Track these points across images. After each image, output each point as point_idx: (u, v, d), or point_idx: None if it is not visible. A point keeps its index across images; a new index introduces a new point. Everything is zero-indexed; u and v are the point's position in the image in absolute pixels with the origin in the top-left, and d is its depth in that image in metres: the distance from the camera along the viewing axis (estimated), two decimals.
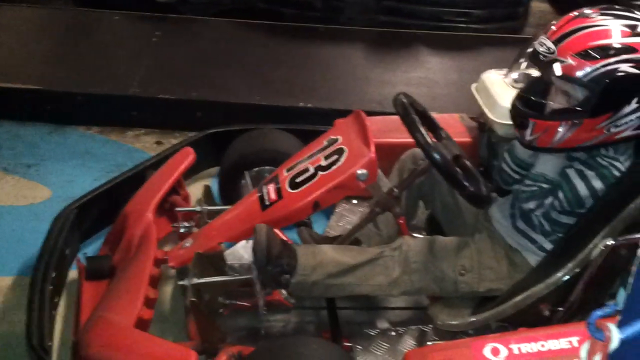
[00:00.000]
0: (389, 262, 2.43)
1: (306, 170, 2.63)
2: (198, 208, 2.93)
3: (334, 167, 2.57)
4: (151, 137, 4.27)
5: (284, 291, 2.47)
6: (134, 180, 3.13)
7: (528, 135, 2.26)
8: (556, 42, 2.14)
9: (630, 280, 1.03)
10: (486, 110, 2.88)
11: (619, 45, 2.09)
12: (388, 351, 2.58)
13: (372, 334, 2.66)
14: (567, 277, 2.25)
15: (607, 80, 2.08)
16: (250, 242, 2.37)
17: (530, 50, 2.25)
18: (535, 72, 2.33)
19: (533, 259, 2.43)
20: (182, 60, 4.80)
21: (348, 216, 3.25)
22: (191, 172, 3.29)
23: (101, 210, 3.12)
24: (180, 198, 3.02)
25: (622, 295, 1.07)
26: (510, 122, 2.40)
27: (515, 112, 2.33)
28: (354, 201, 3.31)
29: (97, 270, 2.74)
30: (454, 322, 2.46)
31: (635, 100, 2.11)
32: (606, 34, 2.11)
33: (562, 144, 2.22)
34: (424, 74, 4.83)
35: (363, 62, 5.01)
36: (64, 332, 2.71)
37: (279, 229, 2.57)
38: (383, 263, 2.43)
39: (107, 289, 2.61)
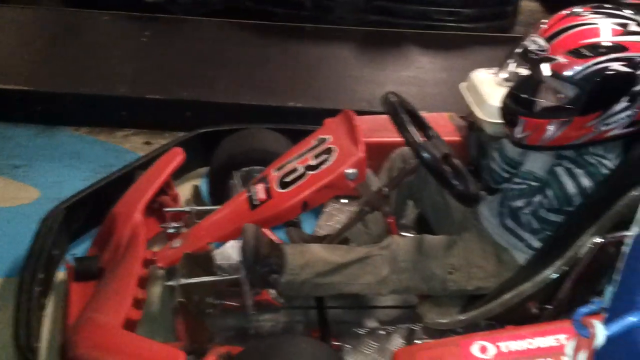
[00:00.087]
0: (377, 261, 2.43)
1: (295, 169, 2.63)
2: (187, 208, 2.93)
3: (323, 167, 2.57)
4: (140, 137, 4.25)
5: (272, 291, 2.47)
6: (122, 180, 3.12)
7: (518, 133, 2.26)
8: (548, 40, 2.15)
9: (616, 277, 1.03)
10: (475, 109, 2.89)
11: (610, 44, 2.09)
12: (377, 350, 2.59)
13: (361, 333, 2.66)
14: (555, 275, 2.25)
15: (598, 79, 2.08)
16: (239, 242, 2.37)
17: (521, 48, 2.26)
18: (525, 71, 2.33)
19: (521, 257, 2.43)
20: (171, 60, 4.79)
21: (337, 215, 3.25)
22: (180, 172, 3.28)
23: (90, 210, 3.11)
24: (169, 198, 3.01)
25: (609, 292, 1.07)
26: (500, 121, 2.40)
27: (505, 109, 2.33)
28: (344, 200, 3.32)
29: (85, 271, 2.72)
30: (442, 321, 2.46)
31: (624, 98, 2.11)
32: (597, 32, 2.12)
33: (552, 142, 2.22)
34: (414, 73, 4.83)
35: (352, 61, 5.01)
36: (52, 333, 2.70)
37: (268, 229, 2.57)
38: (372, 262, 2.43)
39: (96, 289, 2.60)
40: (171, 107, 4.30)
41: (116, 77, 4.48)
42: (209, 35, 5.20)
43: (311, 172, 2.58)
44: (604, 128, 2.17)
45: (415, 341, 2.59)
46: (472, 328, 2.41)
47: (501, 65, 2.92)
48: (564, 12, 2.22)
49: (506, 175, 2.50)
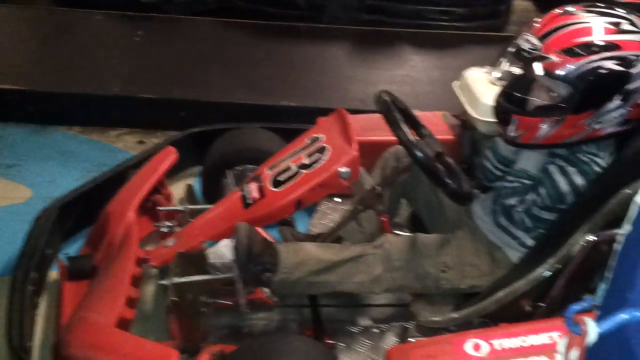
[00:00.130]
0: (371, 259, 2.43)
1: (289, 168, 2.63)
2: (180, 207, 2.92)
3: (316, 166, 2.57)
4: (133, 136, 4.25)
5: (266, 289, 2.47)
6: (115, 179, 3.11)
7: (511, 131, 2.26)
8: (541, 39, 2.15)
9: (608, 274, 1.03)
10: (468, 108, 2.89)
11: (603, 43, 2.10)
12: (371, 348, 2.59)
13: (355, 331, 2.66)
14: (548, 273, 2.25)
15: (591, 77, 2.09)
16: (233, 240, 2.36)
17: (514, 47, 2.26)
18: (518, 70, 2.33)
19: (514, 255, 2.43)
20: (164, 59, 4.78)
21: (331, 214, 3.25)
22: (174, 171, 3.27)
23: (82, 210, 3.10)
24: (162, 197, 3.01)
25: (601, 290, 1.08)
26: (493, 120, 2.40)
27: (498, 108, 2.33)
28: (337, 199, 3.32)
29: (78, 270, 2.72)
30: (436, 319, 2.46)
31: (617, 97, 2.12)
32: (590, 31, 2.12)
33: (545, 140, 2.23)
34: (407, 72, 4.83)
35: (345, 60, 5.01)
36: (45, 332, 2.69)
37: (261, 228, 2.56)
38: (365, 261, 2.43)
39: (89, 289, 2.60)
40: (164, 106, 4.29)
41: (109, 76, 4.47)
42: (202, 35, 5.19)
43: (304, 171, 2.58)
44: (596, 126, 2.17)
45: (408, 339, 2.59)
46: (465, 326, 2.41)
47: (494, 64, 2.92)
48: (557, 10, 2.22)
49: (499, 173, 2.51)
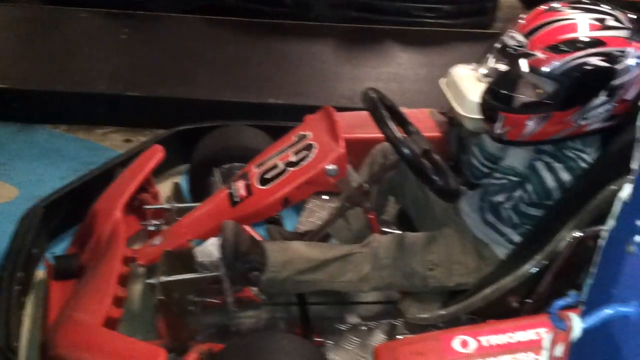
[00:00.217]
0: (359, 258, 2.43)
1: (276, 166, 2.63)
2: (167, 205, 2.92)
3: (303, 163, 2.57)
4: (120, 134, 4.23)
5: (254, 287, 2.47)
6: (102, 178, 3.10)
7: (498, 128, 2.27)
8: (527, 36, 2.16)
9: (593, 270, 1.04)
10: (455, 105, 2.89)
11: (588, 39, 2.11)
12: (359, 346, 2.59)
13: (343, 329, 2.66)
14: (535, 269, 2.26)
15: (577, 74, 2.10)
16: (220, 239, 2.36)
17: (500, 44, 2.27)
18: (504, 67, 2.34)
19: (502, 251, 2.44)
20: (151, 57, 4.77)
21: (319, 212, 3.25)
22: (160, 170, 3.26)
23: (69, 209, 3.09)
24: (149, 196, 3.00)
25: (587, 285, 1.08)
26: (480, 117, 2.41)
27: (485, 105, 2.34)
28: (325, 197, 3.31)
29: (65, 270, 2.71)
30: (424, 316, 2.47)
31: (603, 93, 2.13)
32: (575, 27, 2.13)
33: (532, 137, 2.23)
34: (394, 69, 4.84)
35: (332, 58, 5.01)
36: (32, 332, 2.68)
37: (249, 226, 2.56)
38: (353, 260, 2.43)
39: (76, 288, 2.59)
40: (151, 104, 4.28)
41: (95, 74, 4.45)
42: (188, 33, 5.18)
43: (291, 169, 2.58)
44: (582, 122, 2.18)
45: (397, 336, 2.59)
46: (453, 323, 2.42)
47: (480, 60, 2.93)
48: (542, 7, 2.23)
49: (486, 170, 2.51)
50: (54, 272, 2.72)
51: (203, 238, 2.56)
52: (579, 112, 2.15)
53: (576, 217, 2.19)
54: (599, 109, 2.15)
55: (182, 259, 2.48)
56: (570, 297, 1.01)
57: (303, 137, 2.69)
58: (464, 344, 2.01)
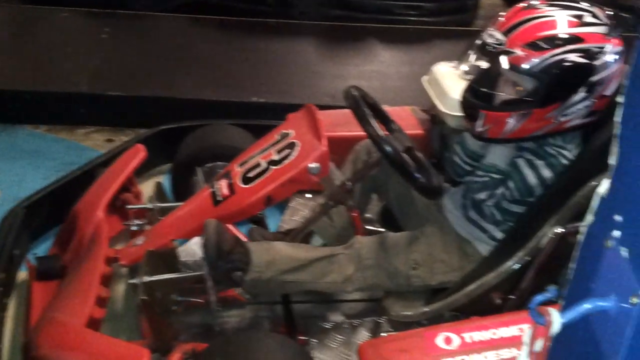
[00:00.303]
0: (342, 259, 2.43)
1: (258, 164, 2.62)
2: (150, 205, 2.90)
3: (286, 161, 2.57)
4: (101, 134, 4.22)
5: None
6: (84, 178, 3.09)
7: (479, 126, 2.28)
8: (505, 33, 2.17)
9: (572, 265, 1.04)
10: (437, 103, 2.90)
11: (566, 36, 2.12)
12: (343, 344, 2.59)
13: (328, 327, 2.66)
14: (517, 266, 2.27)
15: (556, 71, 2.11)
16: (203, 238, 2.35)
17: (479, 42, 2.27)
18: (484, 64, 2.35)
19: (484, 248, 2.45)
20: (132, 56, 4.75)
21: (302, 210, 3.25)
22: (143, 169, 3.25)
23: (51, 209, 3.08)
24: (131, 195, 2.98)
25: (566, 280, 1.09)
26: (462, 114, 2.42)
27: (465, 103, 2.34)
28: (308, 195, 3.31)
29: (47, 271, 2.70)
30: (407, 313, 2.47)
31: (582, 89, 2.14)
32: (553, 24, 2.14)
33: (513, 134, 2.24)
34: (376, 67, 4.84)
35: (315, 56, 5.02)
36: (14, 333, 2.66)
37: (232, 225, 2.56)
38: (337, 260, 2.43)
39: (58, 289, 2.58)
40: (133, 103, 4.27)
41: (76, 74, 4.43)
42: (170, 31, 5.16)
43: (274, 167, 2.57)
44: (563, 119, 2.20)
45: (381, 334, 2.60)
46: (437, 320, 2.42)
47: (461, 58, 2.94)
48: (521, 5, 2.24)
49: (469, 168, 2.52)
50: (36, 273, 2.70)
51: (186, 237, 2.56)
52: (559, 108, 2.17)
53: (558, 213, 2.21)
54: (579, 105, 2.17)
55: (165, 258, 2.47)
56: (549, 293, 1.01)
57: (285, 135, 2.69)
58: (448, 340, 2.02)
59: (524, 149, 2.31)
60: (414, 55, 5.05)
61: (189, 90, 4.34)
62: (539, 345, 1.00)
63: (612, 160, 0.96)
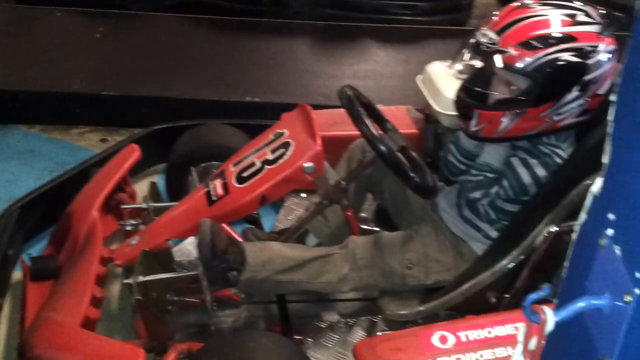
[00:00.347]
0: (337, 259, 2.44)
1: (253, 164, 2.62)
2: (144, 205, 2.90)
3: (280, 161, 2.57)
4: (96, 134, 4.21)
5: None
6: (78, 178, 3.09)
7: (473, 126, 2.28)
8: (498, 33, 2.17)
9: (566, 263, 1.05)
10: (431, 102, 2.91)
11: (560, 35, 2.13)
12: (339, 343, 2.59)
13: (323, 326, 2.66)
14: (512, 265, 2.28)
15: (549, 70, 2.12)
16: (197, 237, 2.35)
17: (472, 41, 2.28)
18: (478, 63, 2.35)
19: (479, 247, 2.46)
20: (126, 56, 4.74)
21: (297, 210, 3.25)
22: (137, 169, 3.25)
23: (45, 209, 3.07)
24: (126, 195, 2.98)
25: (560, 279, 1.09)
26: (456, 113, 2.42)
27: (459, 103, 2.35)
28: (303, 195, 3.31)
29: (41, 271, 2.69)
30: (403, 312, 2.48)
31: (576, 88, 2.15)
32: (546, 23, 2.15)
33: (507, 133, 2.25)
34: (370, 66, 4.85)
35: (309, 55, 5.02)
36: (9, 333, 2.66)
37: (227, 224, 2.56)
38: (332, 260, 2.43)
39: (53, 289, 2.57)
40: (127, 103, 4.26)
41: (70, 74, 4.42)
42: (164, 31, 5.16)
43: (269, 167, 2.57)
44: (556, 118, 2.20)
45: (376, 333, 2.60)
46: (432, 319, 2.43)
47: (455, 57, 2.95)
48: (514, 4, 2.24)
49: (463, 167, 2.52)
50: (31, 273, 2.69)
51: (181, 237, 2.56)
52: (553, 107, 2.17)
53: (552, 212, 2.22)
54: (572, 104, 2.18)
55: (160, 258, 2.47)
56: (543, 291, 1.02)
57: (280, 135, 2.69)
58: (443, 339, 2.02)
59: (518, 148, 2.32)
60: (408, 54, 5.05)
61: (183, 89, 4.33)
62: (533, 343, 1.00)
63: (605, 158, 0.96)
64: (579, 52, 2.11)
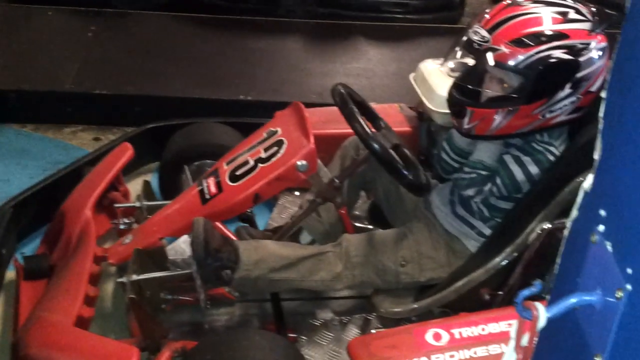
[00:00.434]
0: (330, 257, 2.44)
1: (246, 162, 2.62)
2: (137, 204, 2.89)
3: (273, 159, 2.57)
4: (89, 133, 4.20)
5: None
6: (71, 177, 3.08)
7: (466, 123, 2.29)
8: (490, 31, 2.18)
9: (558, 260, 1.05)
10: (424, 100, 2.91)
11: (551, 32, 2.13)
12: (333, 341, 2.60)
13: (317, 324, 2.67)
14: (505, 262, 2.29)
15: (541, 67, 2.12)
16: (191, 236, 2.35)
17: (464, 39, 2.28)
18: (470, 61, 2.36)
19: (472, 245, 2.46)
20: (118, 54, 4.73)
21: (291, 208, 3.25)
22: (131, 168, 3.24)
23: (38, 208, 3.07)
24: (119, 194, 2.98)
25: (552, 275, 1.10)
26: (449, 111, 2.42)
27: (452, 101, 2.35)
28: (296, 193, 3.32)
29: (35, 270, 2.69)
30: (396, 310, 2.48)
31: (568, 85, 2.16)
32: (538, 21, 2.16)
33: (499, 131, 2.25)
34: (363, 64, 4.85)
35: (302, 54, 5.01)
36: (3, 333, 2.66)
37: (220, 223, 2.56)
38: (325, 258, 2.44)
39: (46, 288, 2.57)
40: (120, 102, 4.25)
41: (62, 72, 4.41)
42: (156, 29, 5.14)
43: (262, 165, 2.58)
44: (549, 115, 2.21)
45: (370, 331, 2.61)
46: (426, 316, 2.44)
47: (448, 55, 2.95)
48: (506, 2, 2.25)
49: (456, 165, 2.53)
50: (24, 272, 2.69)
51: (174, 236, 2.55)
52: (545, 105, 2.18)
53: (545, 209, 2.23)
54: (565, 101, 2.18)
55: (154, 257, 2.47)
56: (535, 287, 1.02)
57: (273, 133, 2.69)
58: (437, 336, 2.03)
59: (511, 146, 2.33)
60: (401, 52, 5.05)
61: (176, 88, 4.33)
62: (526, 339, 1.01)
63: (596, 155, 0.96)
64: (570, 49, 2.12)
